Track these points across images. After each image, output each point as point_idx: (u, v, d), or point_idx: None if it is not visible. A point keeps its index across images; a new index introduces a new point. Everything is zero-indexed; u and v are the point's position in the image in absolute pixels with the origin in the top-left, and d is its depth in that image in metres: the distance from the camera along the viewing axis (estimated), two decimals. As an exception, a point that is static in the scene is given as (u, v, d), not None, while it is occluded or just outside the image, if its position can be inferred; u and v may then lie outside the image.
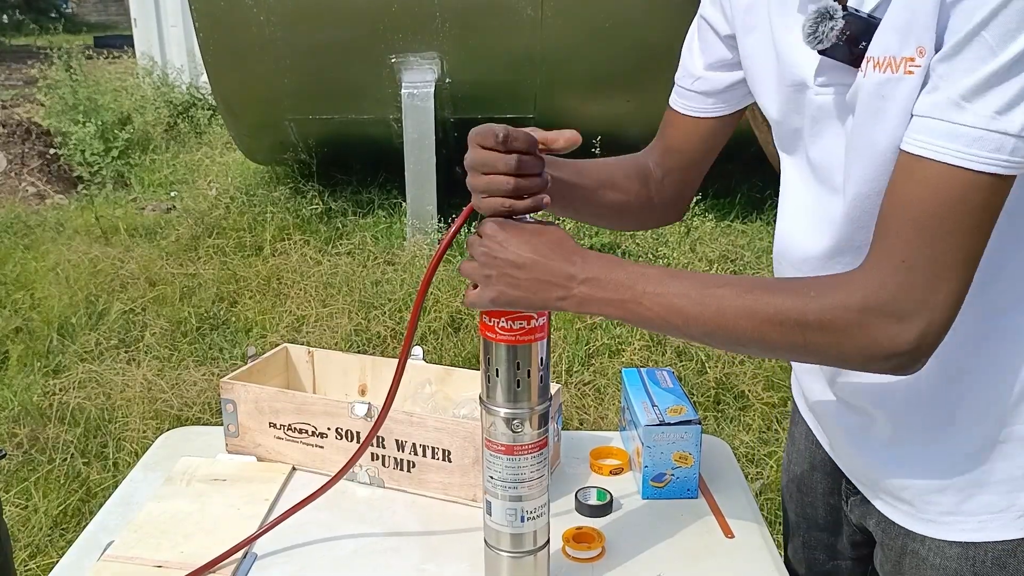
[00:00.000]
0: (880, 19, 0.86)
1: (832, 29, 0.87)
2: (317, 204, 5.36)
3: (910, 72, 0.84)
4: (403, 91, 4.79)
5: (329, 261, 4.55)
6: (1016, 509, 0.98)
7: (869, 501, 1.12)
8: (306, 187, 5.53)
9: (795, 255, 1.06)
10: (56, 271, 4.60)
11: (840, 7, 0.88)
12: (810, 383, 1.17)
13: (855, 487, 1.16)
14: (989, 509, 0.99)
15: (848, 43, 0.88)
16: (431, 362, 1.51)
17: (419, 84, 4.79)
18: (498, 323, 0.98)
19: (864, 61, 0.87)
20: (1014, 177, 0.80)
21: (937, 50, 0.82)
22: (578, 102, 5.10)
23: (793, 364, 1.26)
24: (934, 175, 0.81)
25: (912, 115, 0.84)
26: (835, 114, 0.95)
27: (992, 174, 0.79)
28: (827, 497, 1.26)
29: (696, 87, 1.18)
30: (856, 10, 0.87)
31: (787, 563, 1.21)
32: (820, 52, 0.91)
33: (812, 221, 1.03)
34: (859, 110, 0.89)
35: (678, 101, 1.22)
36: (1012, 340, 0.96)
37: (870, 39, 0.87)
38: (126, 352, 3.77)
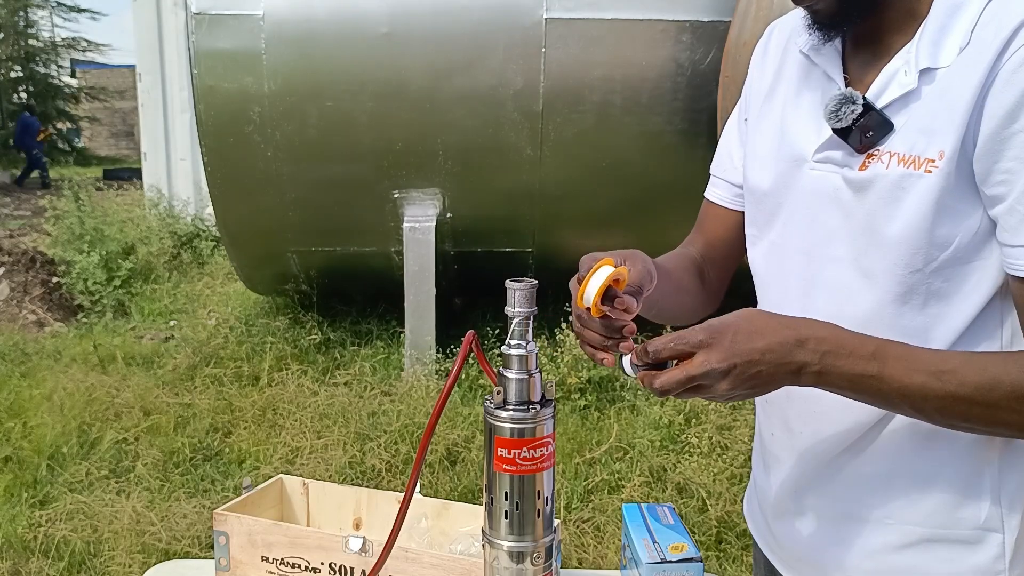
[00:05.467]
0: (891, 119, 1.00)
1: (852, 112, 1.00)
2: (316, 334, 5.38)
3: (929, 171, 0.97)
4: (405, 225, 4.89)
5: (326, 391, 4.53)
6: None
7: None
8: (305, 317, 5.56)
9: None
10: (51, 399, 4.57)
11: (861, 97, 1.01)
12: (771, 479, 1.23)
13: None
14: None
15: (860, 129, 1.01)
16: (427, 496, 1.49)
17: (421, 218, 4.89)
18: (519, 454, 0.97)
19: (888, 155, 1.00)
20: None
21: (961, 155, 0.95)
22: (575, 238, 5.20)
23: (755, 472, 1.31)
24: None
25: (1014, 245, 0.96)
26: (827, 192, 1.07)
27: None
28: None
29: (727, 176, 1.27)
30: (873, 103, 1.01)
31: None
32: (835, 130, 1.03)
33: (794, 284, 1.13)
34: (876, 195, 1.01)
35: (711, 191, 1.31)
36: (963, 445, 1.05)
37: (878, 131, 1.00)
38: (116, 483, 3.70)
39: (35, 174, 18.30)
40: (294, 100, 4.66)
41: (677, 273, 1.25)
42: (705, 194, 1.33)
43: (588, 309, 1.00)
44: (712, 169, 1.31)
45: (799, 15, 1.13)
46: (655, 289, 1.10)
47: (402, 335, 5.09)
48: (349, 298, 5.80)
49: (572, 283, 1.04)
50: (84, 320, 6.39)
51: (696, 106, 4.68)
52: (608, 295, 1.00)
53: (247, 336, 5.46)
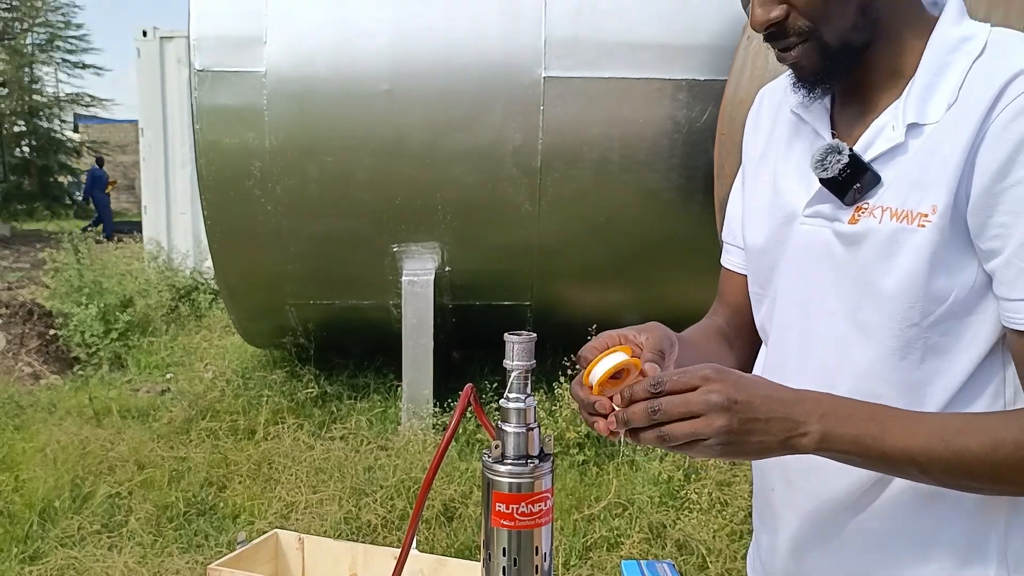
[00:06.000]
0: (878, 172, 1.01)
1: (838, 162, 1.01)
2: (313, 388, 5.35)
3: (922, 226, 0.97)
4: (404, 278, 4.91)
5: (322, 445, 4.49)
6: None
7: None
8: (302, 371, 5.54)
9: (790, 380, 1.08)
10: (44, 452, 4.53)
11: (847, 148, 1.02)
12: (772, 536, 1.19)
13: None
14: None
15: (846, 180, 1.01)
16: (423, 552, 1.48)
17: (420, 272, 4.91)
18: (517, 509, 0.96)
19: (880, 209, 1.00)
20: None
21: (954, 210, 0.96)
22: (573, 291, 5.22)
23: (758, 531, 1.27)
24: None
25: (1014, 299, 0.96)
26: (818, 246, 1.07)
27: None
28: None
29: (738, 242, 1.26)
30: (860, 155, 1.01)
31: None
32: (822, 181, 1.03)
33: (791, 339, 1.13)
34: (870, 249, 1.01)
35: (726, 258, 1.30)
36: (968, 505, 1.03)
37: (865, 184, 1.01)
38: (108, 537, 3.65)
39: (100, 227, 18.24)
40: (295, 155, 4.71)
41: (703, 344, 1.24)
42: (721, 261, 1.32)
43: (590, 387, 0.98)
44: (723, 236, 1.32)
45: (788, 79, 1.15)
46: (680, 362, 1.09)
47: (399, 389, 5.07)
48: (347, 351, 5.79)
49: (583, 352, 1.02)
50: (80, 373, 6.36)
51: (693, 163, 4.74)
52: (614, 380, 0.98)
53: (244, 389, 5.43)
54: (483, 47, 4.69)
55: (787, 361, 1.14)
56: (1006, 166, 0.93)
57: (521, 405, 0.99)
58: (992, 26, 1.02)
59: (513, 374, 0.99)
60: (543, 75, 4.65)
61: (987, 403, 1.02)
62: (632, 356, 0.99)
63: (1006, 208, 0.94)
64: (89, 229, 15.29)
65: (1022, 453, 0.92)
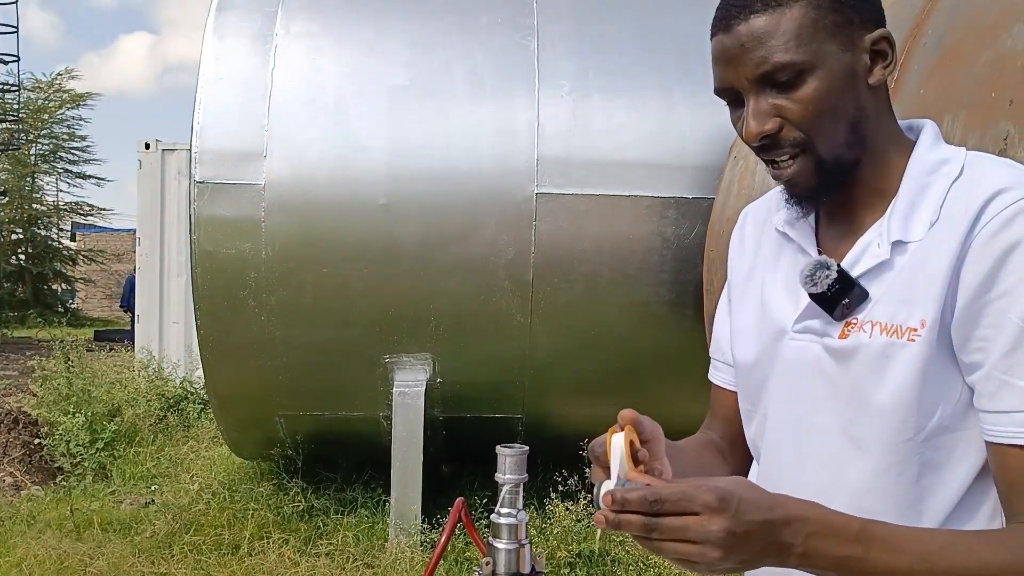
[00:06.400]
0: (866, 288, 1.03)
1: (827, 277, 1.03)
2: (299, 501, 5.25)
3: (912, 340, 0.99)
4: (395, 390, 4.88)
5: (307, 562, 4.38)
6: None
7: None
8: (289, 483, 5.44)
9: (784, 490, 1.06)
10: (20, 567, 4.40)
11: (836, 264, 1.04)
12: None
13: None
14: None
15: (835, 296, 1.03)
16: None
17: (411, 383, 4.90)
18: None
19: (870, 324, 1.02)
20: None
21: (941, 325, 0.98)
22: (565, 404, 5.20)
23: None
24: None
25: (1002, 411, 0.96)
26: (809, 361, 1.08)
27: None
28: None
29: (726, 358, 1.27)
30: (847, 271, 1.04)
31: None
32: (812, 296, 1.05)
33: (786, 457, 1.13)
34: (861, 364, 1.02)
35: (714, 374, 1.31)
36: None
37: (853, 299, 1.03)
38: (81, 659, 3.52)
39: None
40: (291, 266, 4.76)
41: (698, 456, 1.24)
42: (709, 377, 1.34)
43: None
44: (711, 353, 1.33)
45: (771, 198, 1.19)
46: (673, 468, 1.08)
47: (387, 503, 4.98)
48: (335, 464, 5.70)
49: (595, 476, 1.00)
50: (63, 483, 6.23)
51: (682, 278, 4.80)
52: (636, 459, 0.98)
53: (229, 502, 5.32)
54: (477, 164, 4.82)
55: (781, 478, 1.12)
56: (987, 281, 0.96)
57: (513, 520, 0.99)
58: (967, 149, 1.06)
59: (505, 487, 0.99)
60: (535, 191, 4.76)
61: (984, 521, 1.01)
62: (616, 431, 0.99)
63: (988, 322, 0.96)
64: (126, 342, 15.08)
65: None
